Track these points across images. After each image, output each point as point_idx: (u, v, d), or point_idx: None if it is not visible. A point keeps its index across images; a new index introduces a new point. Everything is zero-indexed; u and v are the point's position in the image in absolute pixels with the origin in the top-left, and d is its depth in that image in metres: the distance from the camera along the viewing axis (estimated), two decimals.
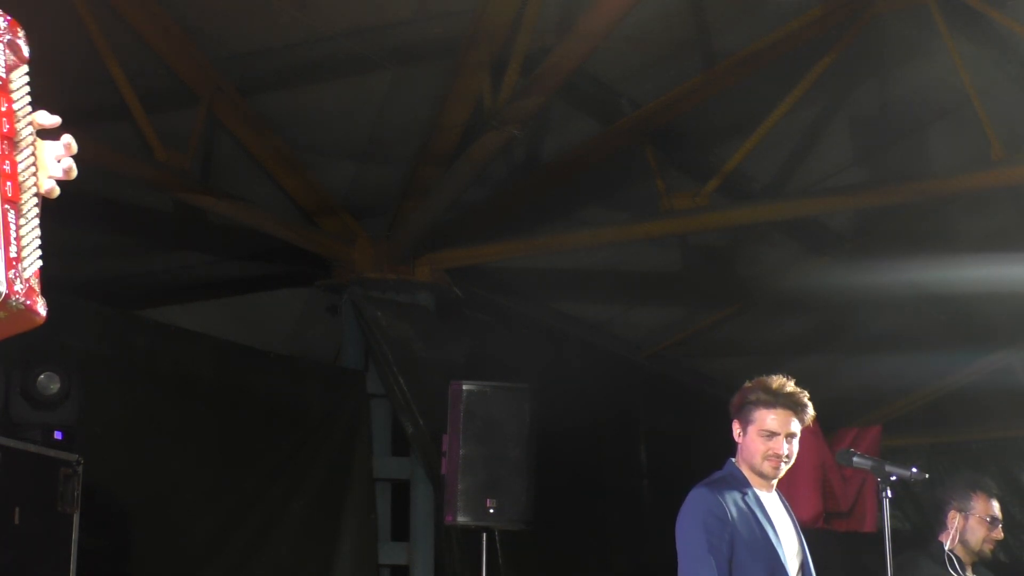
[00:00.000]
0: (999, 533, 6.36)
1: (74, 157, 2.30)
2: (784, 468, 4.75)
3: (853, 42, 7.57)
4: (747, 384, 4.84)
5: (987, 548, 6.34)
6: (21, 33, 2.19)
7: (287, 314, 9.85)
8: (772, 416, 4.71)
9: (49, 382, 6.42)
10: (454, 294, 8.99)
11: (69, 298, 7.35)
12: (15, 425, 6.32)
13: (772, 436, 4.70)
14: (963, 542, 6.28)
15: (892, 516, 5.07)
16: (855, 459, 5.09)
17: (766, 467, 4.71)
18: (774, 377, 4.80)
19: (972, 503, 6.30)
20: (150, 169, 7.23)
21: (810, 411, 4.78)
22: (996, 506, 6.37)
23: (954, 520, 6.29)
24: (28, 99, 2.19)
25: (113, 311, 7.66)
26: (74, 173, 2.23)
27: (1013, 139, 7.84)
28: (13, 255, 2.08)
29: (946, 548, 6.26)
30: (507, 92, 7.10)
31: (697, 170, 8.61)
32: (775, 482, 4.82)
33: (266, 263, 9.17)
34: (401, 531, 8.72)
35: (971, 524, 6.28)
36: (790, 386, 4.77)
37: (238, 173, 8.09)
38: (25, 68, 2.18)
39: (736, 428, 4.78)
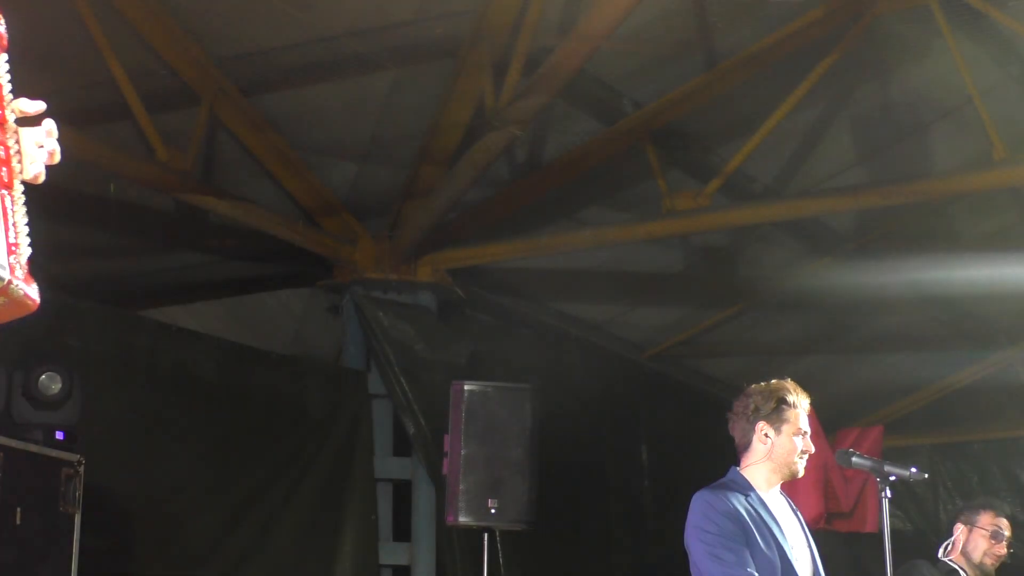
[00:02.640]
0: (1001, 548, 6.44)
1: (75, 157, 2.29)
2: (804, 465, 4.84)
3: (855, 42, 7.57)
4: (760, 388, 4.88)
5: (988, 562, 6.42)
6: (2, 20, 2.17)
7: (288, 314, 9.85)
8: (803, 415, 4.85)
9: (50, 382, 6.42)
10: (456, 294, 8.99)
11: (71, 298, 7.35)
12: (17, 425, 6.32)
13: (805, 435, 4.82)
14: (965, 554, 6.40)
15: (893, 516, 5.08)
16: (854, 459, 5.09)
17: (798, 465, 4.82)
18: (785, 380, 4.93)
19: (978, 517, 6.42)
20: (152, 169, 7.24)
21: None
22: (1003, 523, 6.46)
23: (959, 531, 6.41)
24: (10, 86, 2.16)
25: (115, 311, 7.67)
26: (58, 157, 2.20)
27: (1015, 139, 7.83)
28: (12, 240, 2.08)
29: (948, 559, 6.34)
30: (509, 92, 7.10)
31: (699, 170, 8.61)
32: (780, 484, 4.85)
33: (267, 263, 9.18)
34: (403, 531, 8.72)
35: (974, 536, 6.40)
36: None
37: (240, 173, 8.09)
38: (5, 56, 2.15)
39: (764, 428, 4.79)
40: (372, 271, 8.67)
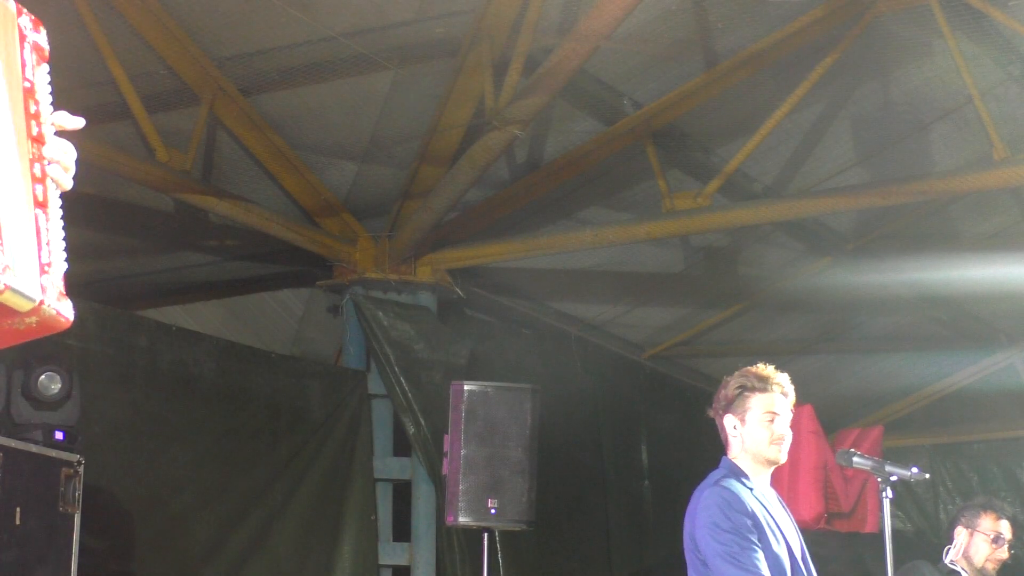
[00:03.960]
0: (1003, 552, 6.36)
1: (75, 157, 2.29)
2: (785, 451, 4.68)
3: (855, 42, 7.56)
4: (728, 379, 4.76)
5: (990, 567, 6.34)
6: (43, 31, 2.16)
7: (288, 314, 9.85)
8: (770, 399, 4.65)
9: (50, 382, 6.41)
10: (455, 294, 8.99)
11: (70, 298, 7.34)
12: (16, 425, 6.32)
13: (774, 418, 4.64)
14: (967, 557, 6.31)
15: (893, 517, 5.06)
16: (855, 459, 5.08)
17: (772, 451, 4.64)
18: (757, 365, 4.76)
19: (979, 520, 6.34)
20: (151, 169, 7.23)
21: (793, 395, 4.74)
22: (1005, 526, 6.37)
23: (960, 535, 6.32)
24: (51, 99, 2.17)
25: (114, 311, 7.66)
26: (70, 183, 2.22)
27: (1015, 139, 7.82)
28: (45, 260, 2.10)
29: (947, 561, 6.27)
30: (509, 92, 7.09)
31: (699, 170, 8.60)
32: (771, 474, 4.75)
33: (267, 263, 9.18)
34: (402, 531, 8.72)
35: (975, 540, 6.31)
36: (773, 370, 4.73)
37: (239, 173, 8.09)
38: (47, 67, 2.15)
39: (731, 422, 4.66)
40: (372, 271, 8.67)
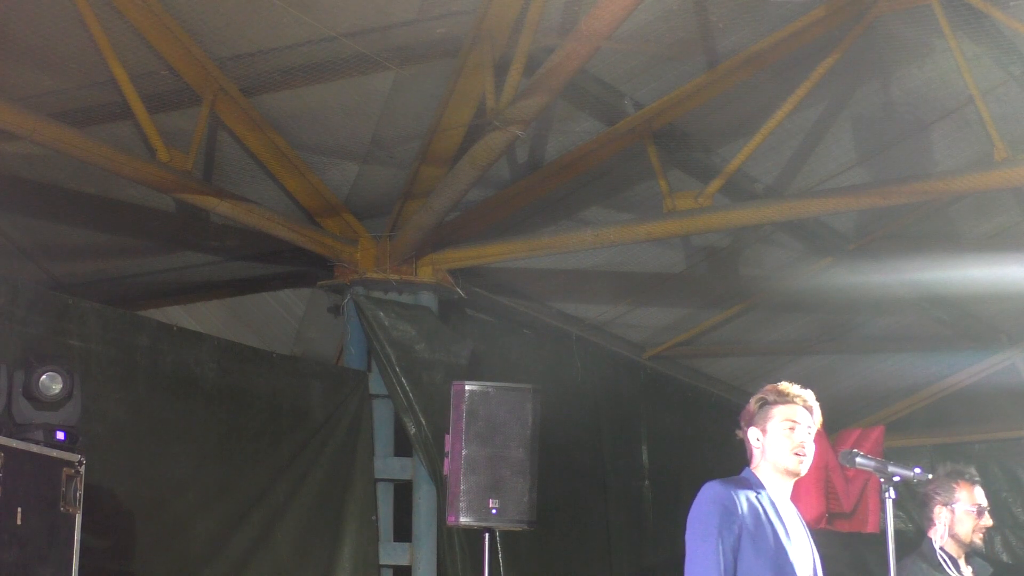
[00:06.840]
0: (987, 520, 6.24)
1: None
2: (806, 464, 4.83)
3: (856, 42, 7.57)
4: (753, 395, 4.98)
5: (977, 537, 6.20)
6: None
7: (289, 314, 9.86)
8: (791, 410, 4.85)
9: (51, 382, 6.41)
10: (457, 294, 8.99)
11: (72, 298, 7.35)
12: (17, 425, 6.31)
13: (794, 428, 4.81)
14: (953, 536, 6.13)
15: (895, 517, 5.05)
16: (859, 460, 5.07)
17: (792, 461, 4.81)
18: (780, 383, 4.97)
19: (956, 494, 6.18)
20: (153, 169, 7.23)
21: (818, 412, 4.93)
22: (980, 493, 6.23)
23: (940, 515, 6.17)
24: None
25: (116, 311, 7.66)
26: None
27: (1016, 139, 7.83)
28: None
29: (936, 546, 6.12)
30: (510, 92, 7.10)
31: (700, 170, 8.61)
32: (791, 487, 4.86)
33: (268, 263, 9.18)
34: (403, 531, 8.72)
35: (958, 516, 6.16)
36: (797, 387, 4.94)
37: (240, 173, 8.09)
38: None
39: (753, 434, 4.87)
40: (373, 271, 8.68)
